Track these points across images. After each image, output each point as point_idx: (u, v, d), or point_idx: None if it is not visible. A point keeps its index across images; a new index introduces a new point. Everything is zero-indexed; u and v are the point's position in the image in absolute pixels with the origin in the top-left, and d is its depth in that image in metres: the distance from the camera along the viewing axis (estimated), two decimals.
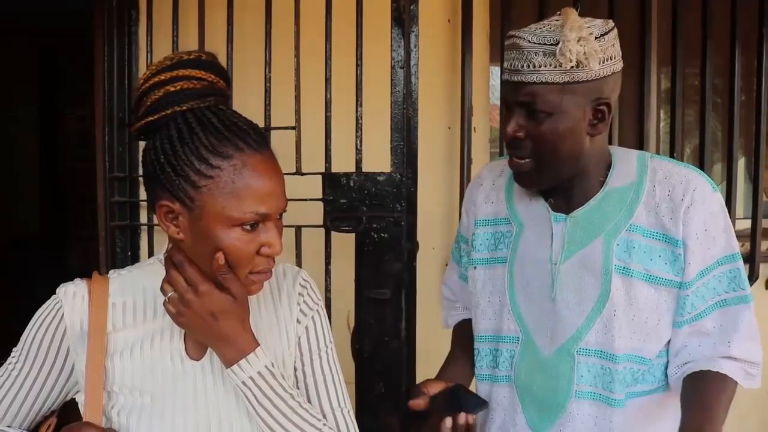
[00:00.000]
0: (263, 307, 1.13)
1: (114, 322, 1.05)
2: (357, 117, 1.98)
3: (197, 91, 0.99)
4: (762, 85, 2.76)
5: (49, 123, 5.68)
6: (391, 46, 1.94)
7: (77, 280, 1.07)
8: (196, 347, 1.06)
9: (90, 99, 2.49)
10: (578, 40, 1.16)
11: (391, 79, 1.95)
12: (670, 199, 1.24)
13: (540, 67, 1.18)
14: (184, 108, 0.98)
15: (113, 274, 1.10)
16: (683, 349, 1.27)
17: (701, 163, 2.70)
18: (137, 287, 1.08)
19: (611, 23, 1.24)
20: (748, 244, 2.91)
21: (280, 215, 1.03)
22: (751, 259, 2.89)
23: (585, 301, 1.27)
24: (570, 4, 1.27)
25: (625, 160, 1.31)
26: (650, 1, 2.68)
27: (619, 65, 1.23)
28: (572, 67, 1.16)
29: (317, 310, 1.15)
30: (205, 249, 0.97)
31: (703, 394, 1.21)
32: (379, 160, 1.98)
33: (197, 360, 1.05)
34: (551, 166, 1.25)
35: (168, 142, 0.96)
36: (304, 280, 1.17)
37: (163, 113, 0.98)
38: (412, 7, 1.93)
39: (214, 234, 0.96)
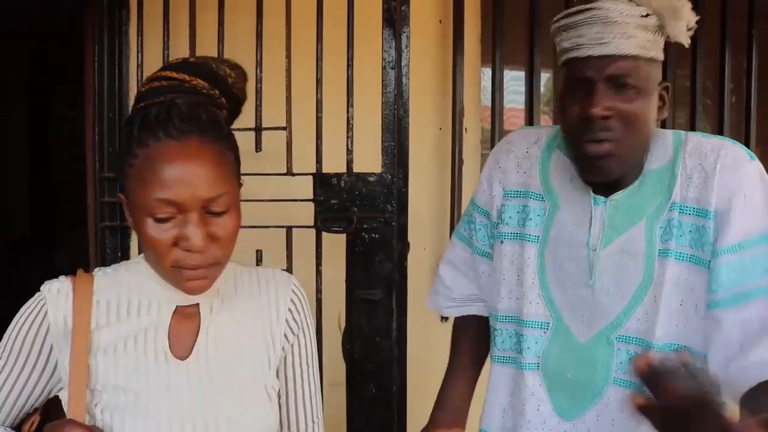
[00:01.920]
0: (247, 305, 1.13)
1: (98, 320, 1.04)
2: (348, 117, 1.98)
3: (163, 89, 1.01)
4: (752, 87, 2.78)
5: (40, 124, 5.66)
6: (382, 46, 1.94)
7: (62, 278, 1.07)
8: (181, 346, 1.06)
9: (81, 99, 2.48)
10: (675, 13, 1.12)
11: (382, 80, 1.95)
12: (701, 168, 1.16)
13: (634, 38, 1.11)
14: (141, 105, 1.00)
15: (98, 272, 1.10)
16: (725, 338, 1.11)
17: None
18: (122, 285, 1.08)
19: None
20: None
21: (223, 212, 0.98)
22: None
23: (625, 288, 1.20)
24: (560, 7, 1.24)
25: (661, 141, 1.23)
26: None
27: None
28: (675, 40, 1.11)
29: (305, 328, 1.17)
30: (139, 236, 0.99)
31: None
32: (370, 160, 1.98)
33: (182, 359, 1.05)
34: (632, 150, 1.17)
35: (124, 137, 1.01)
36: (295, 288, 1.17)
37: (132, 112, 1.02)
38: (403, 7, 1.93)
39: (138, 223, 0.98)
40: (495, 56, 2.49)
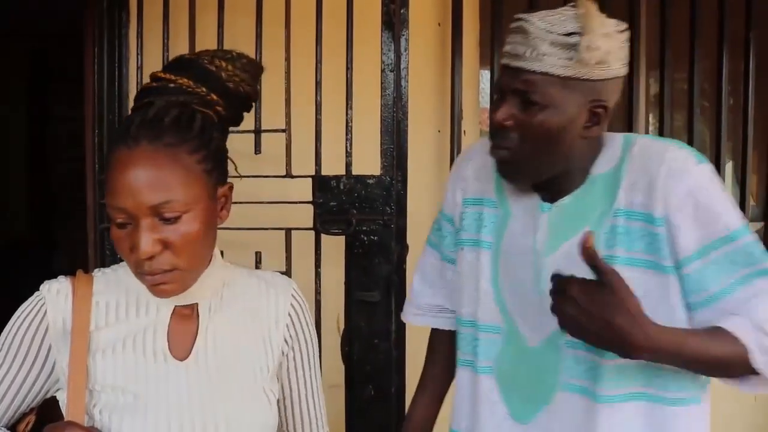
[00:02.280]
0: (246, 307, 1.13)
1: (97, 321, 1.05)
2: (347, 120, 1.99)
3: (149, 91, 1.03)
4: (749, 89, 2.79)
5: (39, 124, 5.66)
6: (381, 49, 1.95)
7: (61, 278, 1.07)
8: (180, 347, 1.06)
9: (80, 100, 2.49)
10: (603, 36, 1.09)
11: (381, 83, 1.96)
12: (646, 173, 1.15)
13: (544, 55, 1.11)
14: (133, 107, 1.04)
15: (98, 272, 1.11)
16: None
17: None
18: (121, 286, 1.08)
19: (625, 24, 1.17)
20: None
21: (177, 218, 0.96)
22: None
23: None
24: (557, 8, 1.23)
25: (611, 145, 1.23)
26: (639, 6, 2.70)
27: (624, 69, 1.17)
28: (595, 63, 1.09)
29: (306, 334, 1.18)
30: None
31: (701, 330, 1.10)
32: (369, 162, 1.98)
33: (182, 360, 1.05)
34: (534, 162, 1.18)
35: None
36: (295, 294, 1.18)
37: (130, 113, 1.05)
38: (402, 10, 1.94)
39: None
40: (493, 59, 2.50)
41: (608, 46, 1.10)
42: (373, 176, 1.95)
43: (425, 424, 1.47)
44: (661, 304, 1.14)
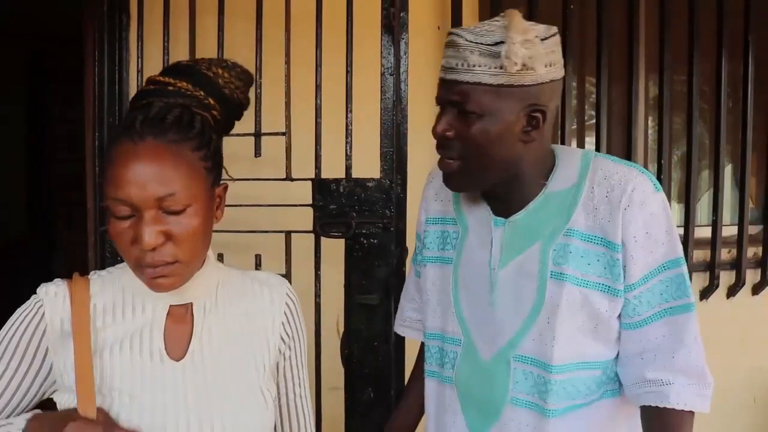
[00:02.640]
0: (241, 307, 1.14)
1: (95, 323, 1.05)
2: (347, 123, 1.99)
3: (146, 93, 1.06)
4: (748, 92, 2.79)
5: (38, 124, 5.66)
6: (381, 53, 1.95)
7: (57, 281, 1.08)
8: (176, 347, 1.07)
9: (79, 101, 2.49)
10: (523, 43, 1.12)
11: (381, 86, 1.96)
12: (608, 201, 1.19)
13: (474, 66, 1.14)
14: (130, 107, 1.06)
15: (93, 275, 1.11)
16: (629, 360, 1.23)
17: (688, 170, 2.72)
18: (117, 287, 1.09)
19: (554, 29, 1.20)
20: (735, 251, 2.94)
21: (181, 211, 0.98)
22: (737, 265, 2.92)
23: (522, 308, 1.23)
24: (556, 11, 1.25)
25: (568, 162, 1.25)
26: (638, 10, 2.71)
27: (559, 73, 1.19)
28: (518, 70, 1.12)
29: (299, 334, 1.20)
30: None
31: None
32: (368, 166, 1.98)
33: (178, 360, 1.06)
34: (479, 170, 1.21)
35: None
36: (290, 293, 1.20)
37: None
38: (401, 14, 1.94)
39: (108, 221, 1.00)
40: None
41: (529, 52, 1.12)
42: (372, 179, 1.96)
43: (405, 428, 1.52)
44: (602, 323, 1.21)
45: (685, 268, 1.21)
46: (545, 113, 1.18)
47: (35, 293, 1.07)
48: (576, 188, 1.22)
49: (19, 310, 1.07)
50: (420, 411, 1.50)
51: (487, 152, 1.19)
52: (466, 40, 1.14)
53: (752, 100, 2.81)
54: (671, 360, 1.19)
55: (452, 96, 1.18)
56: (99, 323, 1.05)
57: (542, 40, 1.14)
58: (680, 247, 1.21)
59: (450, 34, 1.19)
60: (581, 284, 1.19)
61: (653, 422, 1.20)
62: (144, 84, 1.09)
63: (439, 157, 1.27)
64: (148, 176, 0.96)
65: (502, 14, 1.17)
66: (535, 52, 1.13)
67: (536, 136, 1.20)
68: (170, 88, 1.05)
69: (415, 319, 1.53)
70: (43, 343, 1.05)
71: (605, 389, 1.26)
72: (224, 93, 1.10)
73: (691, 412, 1.19)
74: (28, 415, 1.02)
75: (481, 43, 1.13)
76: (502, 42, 1.12)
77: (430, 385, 1.40)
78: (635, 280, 1.18)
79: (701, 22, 2.72)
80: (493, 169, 1.21)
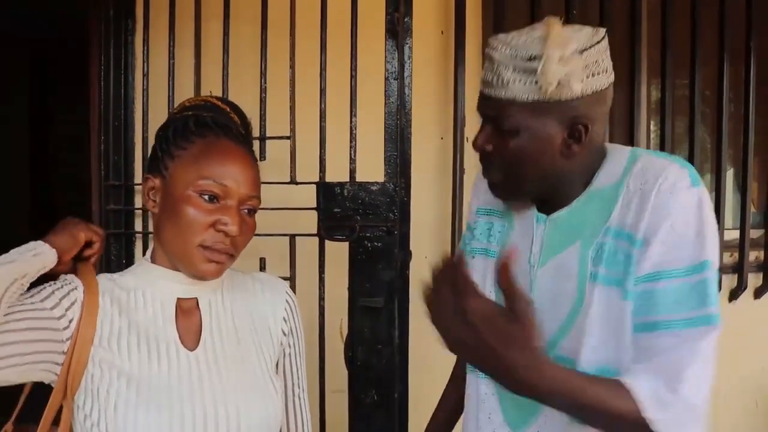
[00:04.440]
0: (245, 303, 1.18)
1: (104, 310, 1.06)
2: (351, 127, 2.00)
3: (204, 106, 1.16)
4: (750, 96, 2.80)
5: (40, 128, 5.67)
6: (385, 57, 1.96)
7: (72, 276, 1.09)
8: (190, 337, 1.09)
9: (82, 104, 2.50)
10: (560, 60, 1.06)
11: (385, 90, 1.97)
12: (641, 193, 1.10)
13: (509, 83, 1.09)
14: (188, 113, 1.13)
15: (100, 277, 1.12)
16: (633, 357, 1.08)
17: None
18: (128, 285, 1.11)
19: (602, 32, 1.12)
20: (737, 255, 2.94)
21: (251, 212, 1.10)
22: (739, 269, 2.92)
23: (560, 308, 1.17)
24: (559, 16, 1.22)
25: (616, 159, 1.18)
26: (640, 14, 2.72)
27: (605, 81, 1.11)
28: (553, 89, 1.07)
29: (298, 332, 1.24)
30: (168, 215, 1.06)
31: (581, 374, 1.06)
32: (372, 169, 2.00)
33: (192, 350, 1.08)
34: (519, 183, 1.18)
35: (165, 133, 1.12)
36: (289, 291, 1.25)
37: (180, 114, 1.15)
38: (405, 19, 1.95)
39: (177, 197, 1.05)
40: None
41: (566, 69, 1.06)
42: (376, 183, 1.96)
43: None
44: (621, 324, 1.10)
45: (712, 274, 1.06)
46: (587, 126, 1.12)
47: (53, 282, 1.06)
48: (618, 185, 1.14)
49: (52, 282, 1.06)
50: (459, 408, 1.46)
51: (526, 168, 1.15)
52: (502, 54, 1.10)
53: (754, 104, 2.82)
54: (677, 383, 1.02)
55: (488, 111, 1.15)
56: (110, 313, 1.06)
57: (583, 51, 1.07)
58: (713, 252, 1.06)
59: (488, 47, 1.14)
60: (608, 282, 1.11)
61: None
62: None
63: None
64: (247, 175, 1.08)
65: (543, 21, 1.11)
66: (572, 68, 1.06)
67: (578, 150, 1.14)
68: (231, 115, 1.16)
69: None
70: (71, 310, 1.03)
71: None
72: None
73: (634, 408, 1.01)
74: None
75: (517, 57, 1.09)
76: (537, 57, 1.07)
77: (471, 380, 1.36)
78: (644, 273, 1.07)
79: (703, 27, 2.73)
80: (533, 183, 1.18)
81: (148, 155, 1.17)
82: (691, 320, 1.04)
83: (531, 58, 1.07)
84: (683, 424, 1.01)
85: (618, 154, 1.19)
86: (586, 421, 1.07)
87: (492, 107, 1.14)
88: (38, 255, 1.03)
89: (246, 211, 1.08)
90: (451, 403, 1.50)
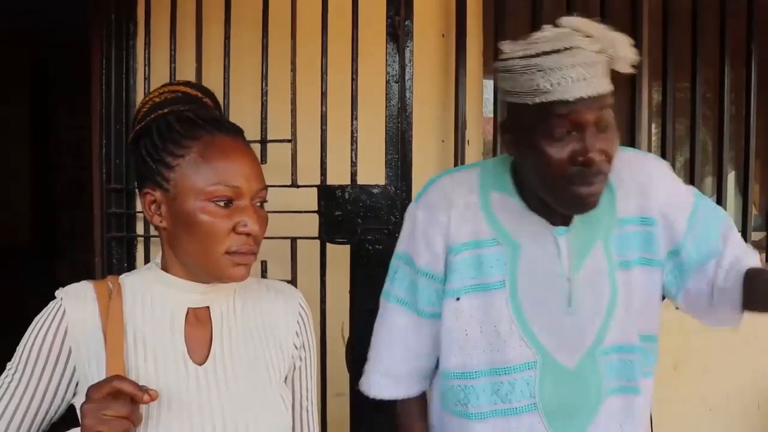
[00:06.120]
0: (257, 313, 1.15)
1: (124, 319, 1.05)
2: (352, 130, 2.01)
3: (177, 99, 1.09)
4: (751, 99, 2.80)
5: (41, 131, 5.67)
6: (386, 61, 1.97)
7: (83, 282, 1.08)
8: (197, 351, 1.07)
9: (82, 108, 2.50)
10: (622, 41, 1.14)
11: (386, 94, 1.97)
12: (635, 182, 1.27)
13: (605, 76, 1.13)
14: (165, 111, 1.06)
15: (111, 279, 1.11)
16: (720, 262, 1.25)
17: (692, 176, 2.73)
18: (135, 292, 1.09)
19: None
20: None
21: (262, 204, 1.07)
22: None
23: (600, 305, 1.24)
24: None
25: None
26: (641, 17, 2.72)
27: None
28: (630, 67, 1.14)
29: (311, 344, 1.22)
30: (183, 229, 1.02)
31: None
32: (373, 172, 2.00)
33: (200, 365, 1.06)
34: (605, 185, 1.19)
35: (149, 138, 1.05)
36: (302, 302, 1.21)
37: (148, 118, 1.07)
38: (406, 22, 1.95)
39: (189, 209, 1.01)
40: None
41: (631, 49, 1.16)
42: (377, 186, 1.97)
43: None
44: (653, 297, 1.30)
45: (703, 196, 1.33)
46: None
47: (43, 302, 1.06)
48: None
49: (37, 318, 1.05)
50: None
51: (610, 167, 1.17)
52: (591, 50, 1.10)
53: (755, 106, 2.82)
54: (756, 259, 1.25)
55: (600, 112, 1.12)
56: (126, 320, 1.05)
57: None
58: (688, 186, 1.33)
59: (570, 49, 1.10)
60: (644, 263, 1.27)
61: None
62: (159, 89, 1.12)
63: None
64: (252, 168, 1.05)
65: (554, 23, 1.16)
66: (624, 60, 1.17)
67: None
68: (204, 100, 1.12)
69: (410, 371, 1.37)
70: (65, 346, 1.03)
71: (651, 366, 1.33)
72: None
73: None
74: None
75: (599, 51, 1.11)
76: (605, 48, 1.13)
77: (489, 426, 1.26)
78: (682, 233, 1.26)
79: (704, 29, 2.73)
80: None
81: (132, 164, 1.13)
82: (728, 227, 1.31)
83: (599, 51, 1.12)
84: None
85: None
86: None
87: (602, 106, 1.12)
88: None
89: (258, 203, 1.06)
90: None
